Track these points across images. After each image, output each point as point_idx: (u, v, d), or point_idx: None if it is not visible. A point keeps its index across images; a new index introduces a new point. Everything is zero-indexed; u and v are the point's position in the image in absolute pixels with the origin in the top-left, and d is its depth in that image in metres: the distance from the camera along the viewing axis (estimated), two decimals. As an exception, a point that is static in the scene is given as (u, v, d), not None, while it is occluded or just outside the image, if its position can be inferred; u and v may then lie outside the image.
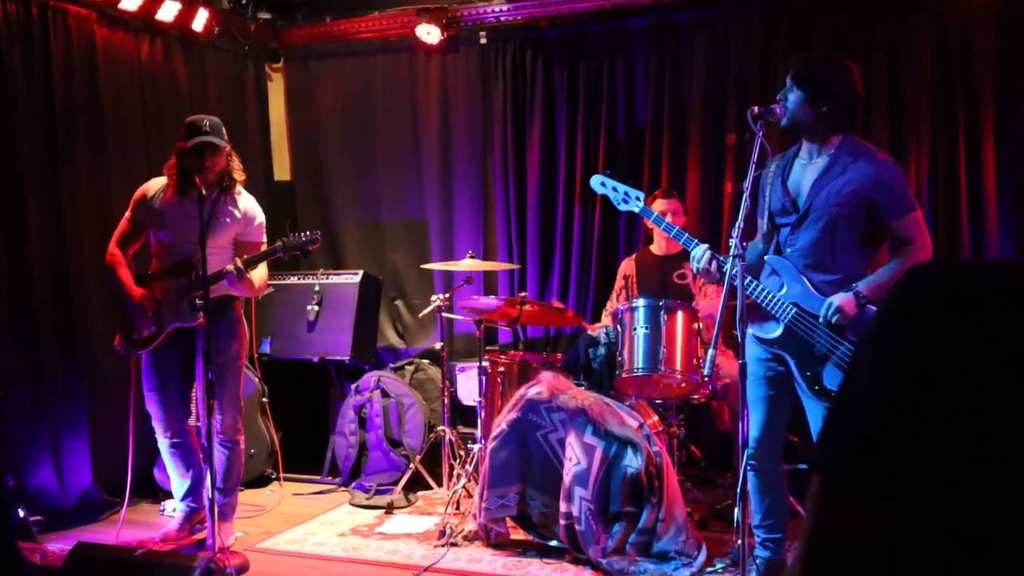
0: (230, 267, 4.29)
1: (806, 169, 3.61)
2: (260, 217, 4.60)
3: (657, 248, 5.36)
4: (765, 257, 3.69)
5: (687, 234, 3.80)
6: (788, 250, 3.62)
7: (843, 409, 1.17)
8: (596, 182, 4.11)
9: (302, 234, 4.45)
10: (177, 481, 4.71)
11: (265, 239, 4.58)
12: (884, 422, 1.10)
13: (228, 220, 4.46)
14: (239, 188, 4.51)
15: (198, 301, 4.16)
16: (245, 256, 4.36)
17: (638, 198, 3.96)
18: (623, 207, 4.01)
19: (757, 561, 3.80)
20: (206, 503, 4.21)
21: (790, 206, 3.60)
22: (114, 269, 4.48)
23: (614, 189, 4.01)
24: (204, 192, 4.10)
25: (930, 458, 1.07)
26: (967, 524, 1.07)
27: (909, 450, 1.08)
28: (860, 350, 1.18)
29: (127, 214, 4.56)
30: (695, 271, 3.74)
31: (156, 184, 4.55)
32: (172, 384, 4.56)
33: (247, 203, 4.55)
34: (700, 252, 3.66)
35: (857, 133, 3.73)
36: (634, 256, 5.50)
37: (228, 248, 4.50)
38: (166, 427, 4.59)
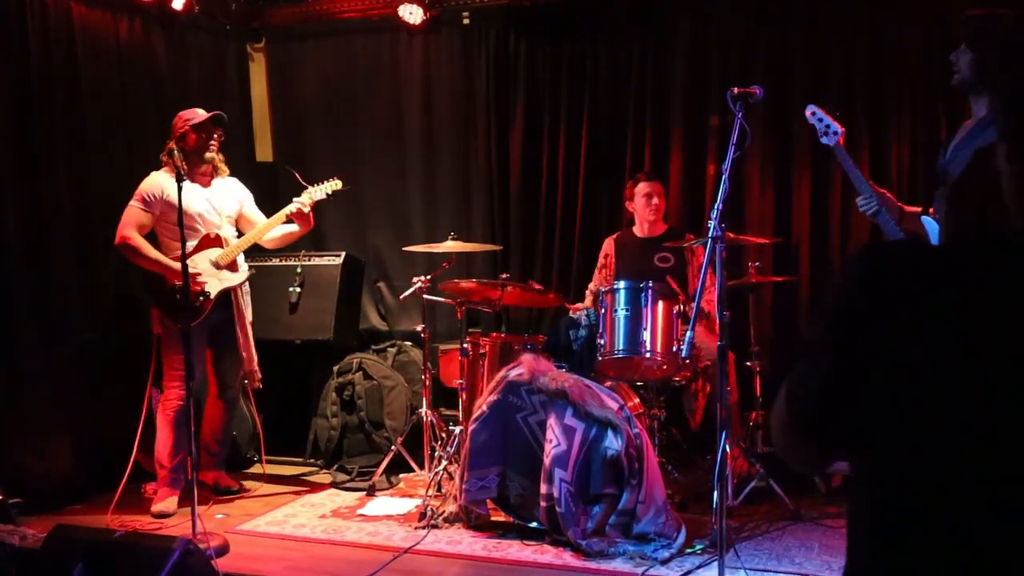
0: (297, 205, 4.93)
1: None
2: (246, 190, 5.21)
3: (639, 230, 5.36)
4: None
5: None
6: None
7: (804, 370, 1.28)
8: (809, 110, 3.86)
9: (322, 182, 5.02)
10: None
11: None
12: (834, 377, 1.21)
13: (231, 199, 5.04)
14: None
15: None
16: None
17: (835, 132, 3.77)
18: (823, 140, 3.82)
19: None
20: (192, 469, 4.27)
21: None
22: (143, 253, 4.77)
23: (820, 119, 3.81)
24: (220, 167, 4.91)
25: (873, 407, 1.17)
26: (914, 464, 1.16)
27: (852, 401, 1.19)
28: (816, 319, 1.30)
29: (141, 206, 4.80)
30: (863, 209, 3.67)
31: (164, 179, 4.80)
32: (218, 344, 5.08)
33: (233, 182, 5.09)
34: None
35: None
36: (615, 236, 5.50)
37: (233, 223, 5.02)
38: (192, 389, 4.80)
